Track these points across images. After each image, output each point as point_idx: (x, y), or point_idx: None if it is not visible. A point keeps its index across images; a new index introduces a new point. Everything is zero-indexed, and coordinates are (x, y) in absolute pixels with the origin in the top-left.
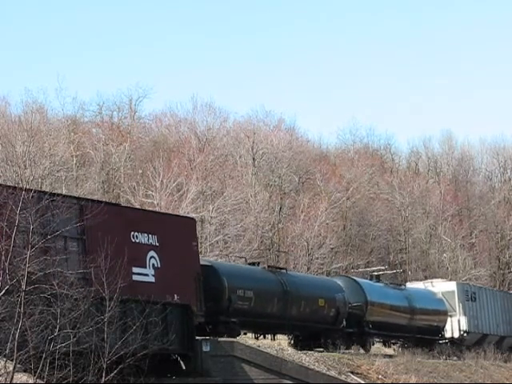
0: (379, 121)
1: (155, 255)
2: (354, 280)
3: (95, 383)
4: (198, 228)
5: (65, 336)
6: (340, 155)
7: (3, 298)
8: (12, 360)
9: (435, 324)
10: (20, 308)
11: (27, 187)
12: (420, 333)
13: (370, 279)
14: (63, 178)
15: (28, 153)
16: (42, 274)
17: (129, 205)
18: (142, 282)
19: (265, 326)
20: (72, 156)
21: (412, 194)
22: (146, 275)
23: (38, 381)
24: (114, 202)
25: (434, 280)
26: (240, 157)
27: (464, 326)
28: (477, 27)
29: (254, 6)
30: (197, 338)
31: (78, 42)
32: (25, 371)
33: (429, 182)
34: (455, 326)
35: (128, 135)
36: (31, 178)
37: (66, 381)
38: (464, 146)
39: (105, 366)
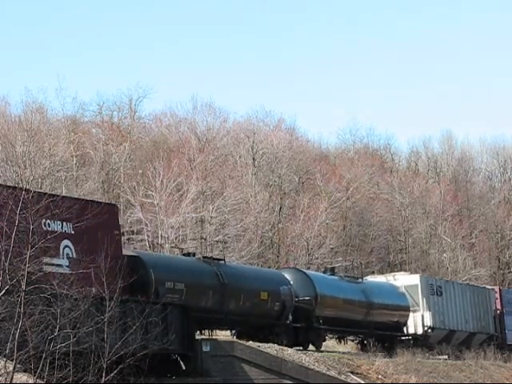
0: (379, 121)
1: (70, 244)
2: (303, 272)
3: (95, 383)
4: (198, 228)
5: (65, 336)
6: (340, 155)
7: (3, 298)
8: (12, 360)
9: (395, 320)
10: (20, 308)
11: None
12: (378, 329)
13: (324, 272)
14: (63, 178)
15: (28, 153)
16: (42, 273)
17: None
18: (54, 273)
19: (199, 321)
20: (72, 156)
21: (412, 194)
22: (60, 266)
23: (38, 381)
24: (113, 202)
25: (396, 273)
26: (240, 157)
27: (428, 322)
28: (477, 27)
29: (254, 6)
30: (197, 338)
31: (78, 42)
32: (25, 371)
33: (429, 181)
34: (418, 321)
35: (128, 135)
36: (31, 177)
37: (65, 381)
38: (464, 145)
39: (105, 366)
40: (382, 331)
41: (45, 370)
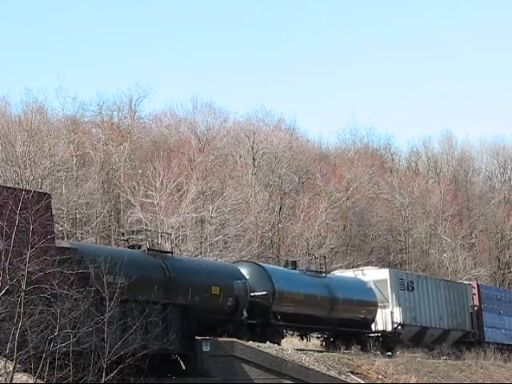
0: (379, 121)
1: None
2: (261, 266)
3: (95, 383)
4: (198, 228)
5: (65, 336)
6: (340, 155)
7: (3, 298)
8: (12, 360)
9: (362, 316)
10: (20, 308)
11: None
12: (343, 325)
13: (285, 266)
14: (63, 178)
15: (28, 153)
16: (42, 273)
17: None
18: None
19: None
20: (72, 156)
21: (412, 194)
22: None
23: (38, 381)
24: (113, 202)
25: (365, 268)
26: (240, 157)
27: (398, 319)
28: (477, 27)
29: (254, 6)
30: (197, 338)
31: (78, 42)
32: (25, 371)
33: (429, 181)
34: (388, 318)
35: (128, 135)
36: (31, 177)
37: (65, 381)
38: (464, 145)
39: (105, 366)
40: (347, 328)
41: (45, 369)
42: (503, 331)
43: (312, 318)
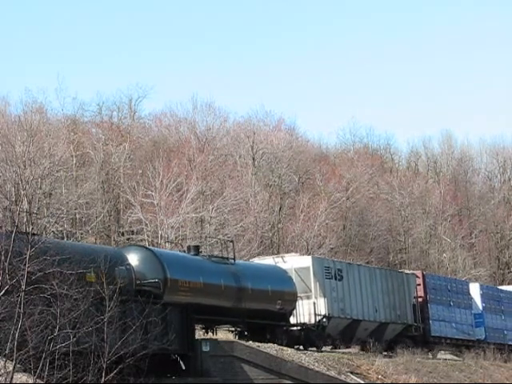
0: (379, 121)
1: None
2: (151, 251)
3: (95, 383)
4: (198, 228)
5: (65, 336)
6: (340, 155)
7: (3, 298)
8: (12, 360)
9: (278, 307)
10: (20, 308)
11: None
12: (254, 317)
13: (188, 251)
14: (63, 177)
15: (28, 153)
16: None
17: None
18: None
19: None
20: (72, 156)
21: (412, 194)
22: None
23: (38, 381)
24: (113, 202)
25: (286, 254)
26: (240, 157)
27: (322, 310)
28: (477, 27)
29: (254, 6)
30: (196, 338)
31: (78, 41)
32: (25, 371)
33: (428, 182)
34: (311, 309)
35: (128, 135)
36: (31, 177)
37: (65, 381)
38: (464, 146)
39: (105, 366)
40: (259, 320)
41: (45, 369)
42: (453, 325)
43: (215, 310)
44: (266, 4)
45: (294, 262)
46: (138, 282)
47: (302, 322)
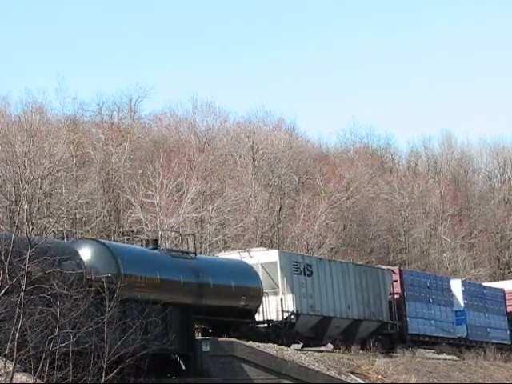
0: (379, 121)
1: None
2: (104, 245)
3: (95, 383)
4: (198, 228)
5: (65, 336)
6: (340, 155)
7: (3, 298)
8: (12, 360)
9: (242, 304)
10: (20, 308)
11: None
12: (216, 314)
13: (146, 245)
14: (63, 177)
15: (28, 153)
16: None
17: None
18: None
19: None
20: (72, 156)
21: (412, 194)
22: None
23: (38, 381)
24: (113, 202)
25: (253, 249)
26: (240, 157)
27: (290, 307)
28: (477, 27)
29: (254, 6)
30: (196, 337)
31: (78, 41)
32: (25, 371)
33: (429, 182)
34: (278, 306)
35: (128, 135)
36: (31, 177)
37: (65, 381)
38: (464, 146)
39: (105, 366)
40: (222, 317)
41: (45, 369)
42: (432, 322)
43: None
44: (265, 4)
45: (261, 257)
46: (89, 277)
47: (270, 319)
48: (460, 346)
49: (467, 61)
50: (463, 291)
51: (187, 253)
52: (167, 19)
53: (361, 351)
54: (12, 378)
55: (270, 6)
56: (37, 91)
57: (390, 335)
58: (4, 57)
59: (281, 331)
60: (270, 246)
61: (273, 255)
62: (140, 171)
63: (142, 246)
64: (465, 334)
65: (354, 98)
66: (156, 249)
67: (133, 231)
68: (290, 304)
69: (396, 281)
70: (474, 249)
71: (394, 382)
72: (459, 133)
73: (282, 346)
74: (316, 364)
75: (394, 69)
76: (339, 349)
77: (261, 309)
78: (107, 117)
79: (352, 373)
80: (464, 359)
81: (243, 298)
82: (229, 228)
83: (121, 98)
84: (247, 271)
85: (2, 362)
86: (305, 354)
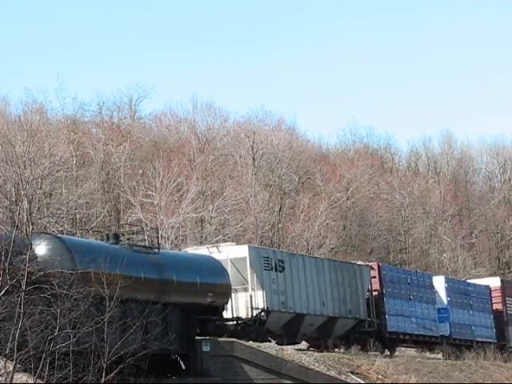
0: (379, 121)
1: None
2: (60, 240)
3: (95, 383)
4: (198, 228)
5: (65, 336)
6: (340, 155)
7: (3, 298)
8: (12, 360)
9: (209, 301)
10: (20, 308)
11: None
12: (180, 311)
13: (106, 239)
14: (63, 178)
15: (28, 153)
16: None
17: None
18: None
19: None
20: (72, 156)
21: (412, 194)
22: None
23: (38, 381)
24: (113, 202)
25: (222, 244)
26: (240, 157)
27: (260, 304)
28: (477, 27)
29: (254, 6)
30: (197, 337)
31: (78, 41)
32: (25, 371)
33: (429, 181)
34: (248, 303)
35: (128, 135)
36: (31, 177)
37: (66, 381)
38: (464, 146)
39: (105, 366)
40: (187, 314)
41: (45, 369)
42: (413, 320)
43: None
44: (266, 4)
45: (230, 252)
46: (42, 272)
47: (239, 316)
48: (442, 344)
49: (467, 61)
50: (446, 288)
51: (150, 248)
52: (167, 19)
53: (336, 349)
54: (12, 377)
55: (270, 6)
56: (37, 91)
57: (368, 333)
58: (4, 57)
59: (250, 329)
60: (271, 246)
61: (242, 250)
62: (140, 171)
63: (102, 240)
64: (448, 332)
65: (353, 97)
66: (117, 243)
67: (133, 231)
68: (260, 301)
69: (375, 277)
70: (474, 249)
71: (394, 381)
72: (459, 133)
73: (282, 346)
74: (316, 364)
75: (394, 69)
76: (314, 347)
77: (229, 306)
78: (107, 117)
79: (352, 373)
80: (464, 359)
81: (210, 294)
82: (229, 228)
83: (121, 97)
84: (214, 267)
85: (3, 362)
86: (305, 354)
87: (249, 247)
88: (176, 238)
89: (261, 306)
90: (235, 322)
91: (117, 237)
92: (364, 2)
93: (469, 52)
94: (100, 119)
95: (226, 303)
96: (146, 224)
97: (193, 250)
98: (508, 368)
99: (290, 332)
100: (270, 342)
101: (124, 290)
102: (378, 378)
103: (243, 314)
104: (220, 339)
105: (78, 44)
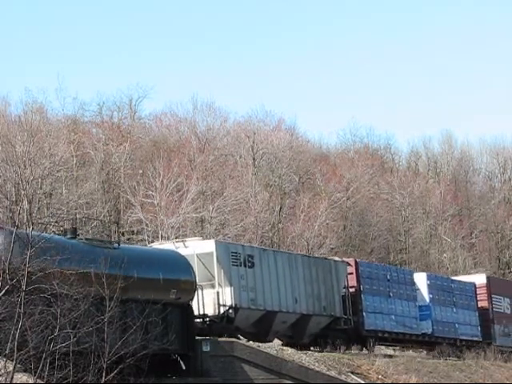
0: (379, 121)
1: None
2: (12, 233)
3: (95, 383)
4: (198, 228)
5: (65, 336)
6: (340, 155)
7: (3, 298)
8: (12, 360)
9: (173, 297)
10: (20, 308)
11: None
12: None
13: (64, 234)
14: (63, 178)
15: (28, 153)
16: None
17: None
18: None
19: None
20: (72, 156)
21: (412, 193)
22: None
23: (38, 381)
24: (113, 202)
25: (188, 239)
26: (240, 157)
27: (228, 301)
28: (477, 27)
29: (254, 6)
30: (197, 337)
31: (78, 41)
32: (25, 371)
33: (429, 181)
34: (215, 299)
35: (128, 135)
36: (31, 177)
37: (66, 381)
38: (464, 146)
39: (105, 366)
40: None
41: (45, 369)
42: (392, 317)
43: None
44: (265, 4)
45: (197, 248)
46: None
47: (205, 313)
48: (424, 342)
49: (467, 61)
50: (428, 285)
51: (110, 242)
52: (167, 19)
53: (311, 347)
54: (12, 377)
55: (270, 6)
56: (37, 91)
57: (345, 331)
58: (4, 57)
59: (218, 326)
60: (271, 246)
61: (209, 245)
62: (140, 171)
63: (59, 234)
64: (430, 330)
65: (354, 97)
66: (74, 238)
67: (133, 231)
68: (227, 297)
69: (351, 273)
70: (475, 249)
71: (395, 381)
72: (459, 133)
73: (282, 346)
74: (316, 364)
75: (394, 69)
76: (288, 345)
77: (195, 303)
78: (107, 117)
79: (352, 373)
80: (464, 359)
81: (173, 291)
82: (229, 228)
83: (121, 98)
84: (178, 262)
85: (3, 362)
86: (305, 354)
87: (215, 242)
88: (176, 238)
89: (229, 302)
90: (201, 320)
91: (74, 231)
92: (364, 2)
93: (469, 52)
94: (100, 119)
95: (191, 300)
96: (147, 224)
97: (158, 245)
98: (508, 368)
99: (261, 330)
100: (239, 339)
101: (80, 286)
102: (378, 378)
103: (210, 311)
104: (220, 339)
105: (78, 44)
